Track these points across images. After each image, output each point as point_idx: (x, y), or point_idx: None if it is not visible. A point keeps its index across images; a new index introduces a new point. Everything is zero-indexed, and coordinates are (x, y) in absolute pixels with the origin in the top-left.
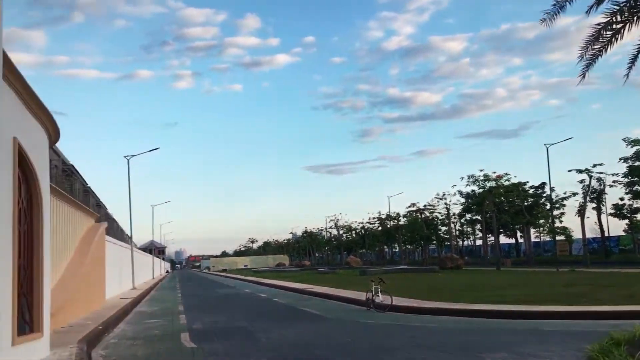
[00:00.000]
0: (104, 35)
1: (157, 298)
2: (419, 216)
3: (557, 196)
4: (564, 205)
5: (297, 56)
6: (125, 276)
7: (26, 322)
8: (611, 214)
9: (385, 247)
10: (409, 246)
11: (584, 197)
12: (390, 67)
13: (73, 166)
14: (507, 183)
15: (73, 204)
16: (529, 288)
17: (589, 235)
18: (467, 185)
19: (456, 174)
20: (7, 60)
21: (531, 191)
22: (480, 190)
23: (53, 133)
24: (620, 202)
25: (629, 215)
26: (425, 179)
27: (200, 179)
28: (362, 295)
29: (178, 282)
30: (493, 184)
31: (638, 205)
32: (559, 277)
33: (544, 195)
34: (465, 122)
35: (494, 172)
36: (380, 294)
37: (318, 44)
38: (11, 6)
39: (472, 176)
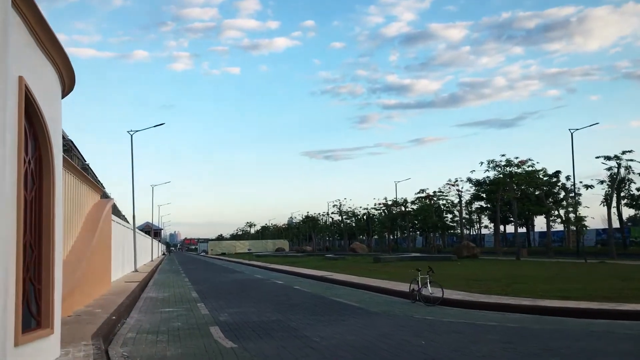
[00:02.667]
0: (101, 14)
1: (163, 282)
2: (429, 202)
3: (572, 185)
4: (580, 195)
5: (297, 40)
6: (127, 258)
7: (33, 315)
8: (626, 205)
9: (391, 234)
10: (411, 233)
11: (611, 186)
12: (389, 53)
13: (72, 141)
14: (529, 169)
15: (79, 175)
16: (581, 282)
17: (598, 226)
18: (486, 170)
19: (453, 162)
20: None
21: (545, 179)
22: (500, 176)
23: (67, 79)
24: (637, 193)
25: None
26: (421, 166)
27: (195, 162)
28: (396, 285)
29: (179, 266)
30: (514, 169)
31: None
32: (600, 269)
33: (559, 184)
34: (464, 110)
35: (517, 157)
36: (429, 285)
37: (318, 29)
38: None
39: (493, 161)
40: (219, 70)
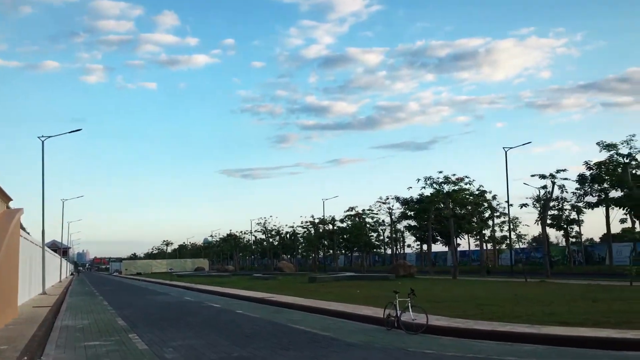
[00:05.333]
0: (8, 22)
1: (79, 307)
2: (359, 220)
3: (497, 204)
4: (505, 214)
5: (216, 58)
6: (34, 279)
7: None
8: (548, 225)
9: (314, 253)
10: (332, 251)
11: (545, 205)
12: (309, 75)
13: None
14: (466, 186)
15: None
16: (556, 304)
17: (519, 245)
18: (423, 187)
19: (369, 184)
20: None
21: (471, 198)
22: (431, 193)
23: None
24: (558, 213)
25: (564, 226)
26: (340, 186)
27: (107, 178)
28: (356, 309)
29: (93, 287)
30: (452, 187)
31: (575, 217)
32: (553, 289)
33: (484, 203)
34: (380, 133)
35: (454, 175)
36: (411, 310)
37: (238, 47)
38: None
39: (430, 178)
40: (135, 85)
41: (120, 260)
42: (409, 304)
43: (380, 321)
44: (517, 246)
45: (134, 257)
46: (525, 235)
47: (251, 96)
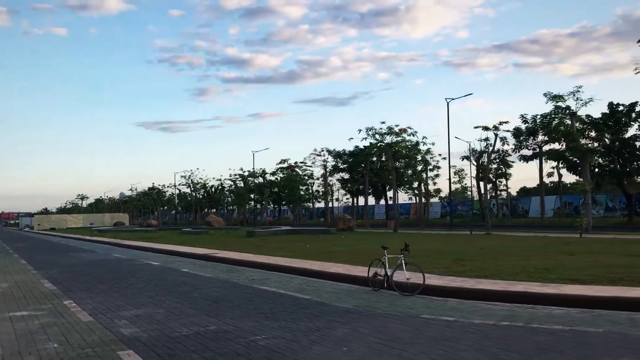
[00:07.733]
0: None
1: None
2: (292, 173)
3: (431, 157)
4: (439, 167)
5: (131, 3)
6: None
7: None
8: (480, 178)
9: (246, 206)
10: (261, 205)
11: (488, 157)
12: (229, 26)
13: None
14: (409, 138)
15: None
16: (534, 258)
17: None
18: (364, 138)
19: (290, 138)
20: None
21: (404, 152)
22: (364, 146)
23: None
24: (496, 166)
25: (494, 179)
26: (265, 141)
27: (12, 128)
28: (323, 266)
29: (4, 244)
30: (394, 138)
31: (504, 171)
32: (512, 241)
33: (418, 156)
34: (301, 88)
35: (397, 125)
36: (405, 268)
37: None
38: None
39: (372, 129)
40: (42, 30)
41: (31, 215)
42: (402, 261)
43: (359, 280)
44: (441, 200)
45: (45, 211)
46: (470, 187)
47: (169, 46)
